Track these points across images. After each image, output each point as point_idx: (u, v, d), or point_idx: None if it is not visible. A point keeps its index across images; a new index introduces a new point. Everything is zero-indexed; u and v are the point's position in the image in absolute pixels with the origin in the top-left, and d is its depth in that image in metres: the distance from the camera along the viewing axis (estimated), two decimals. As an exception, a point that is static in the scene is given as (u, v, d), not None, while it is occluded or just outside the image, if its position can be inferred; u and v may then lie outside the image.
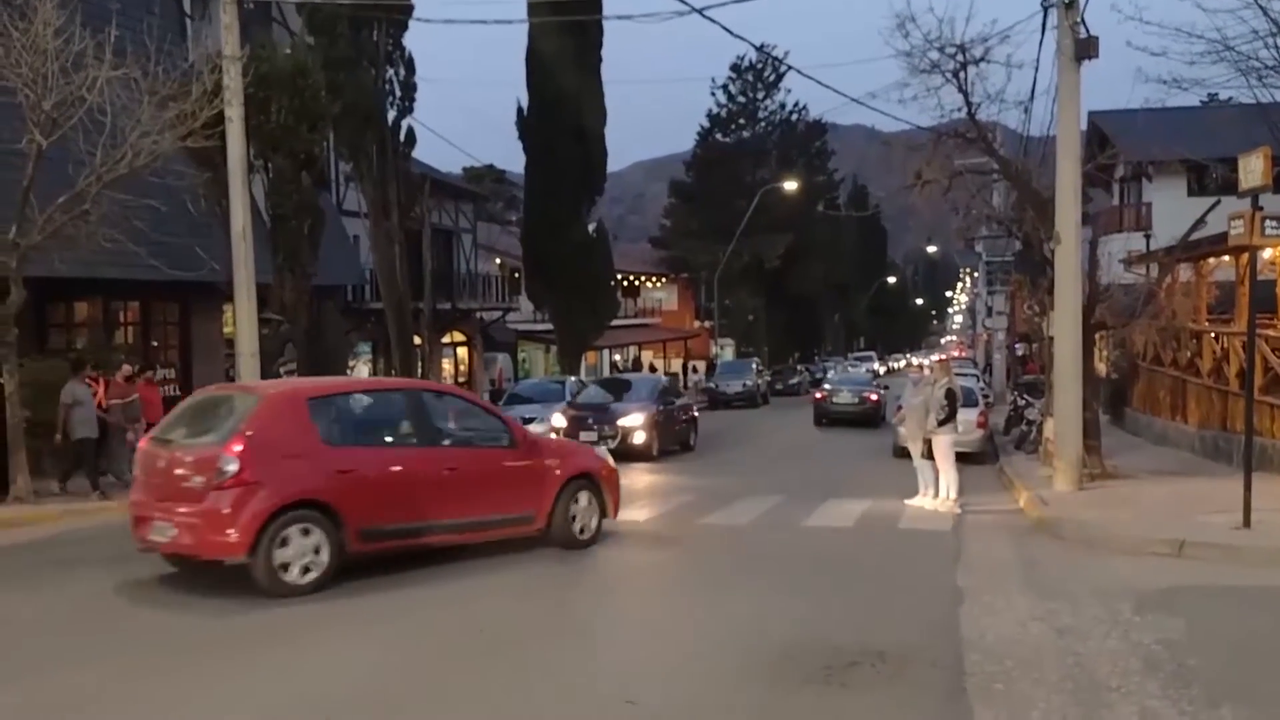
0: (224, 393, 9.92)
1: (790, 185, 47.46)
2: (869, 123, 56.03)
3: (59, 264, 14.47)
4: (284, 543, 8.07)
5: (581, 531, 10.26)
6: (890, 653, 6.48)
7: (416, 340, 22.72)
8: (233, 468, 8.04)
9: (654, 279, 56.78)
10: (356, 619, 7.51)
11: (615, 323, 36.81)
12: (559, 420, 19.34)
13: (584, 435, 18.39)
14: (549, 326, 33.52)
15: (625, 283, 48.76)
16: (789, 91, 60.79)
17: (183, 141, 14.06)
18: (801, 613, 7.62)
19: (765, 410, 36.77)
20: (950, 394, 13.37)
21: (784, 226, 52.78)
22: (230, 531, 7.97)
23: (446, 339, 31.95)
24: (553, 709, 5.54)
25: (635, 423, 19.15)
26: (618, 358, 49.90)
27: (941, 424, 13.31)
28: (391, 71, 21.51)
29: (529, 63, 29.94)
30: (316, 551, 8.22)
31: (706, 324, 53.03)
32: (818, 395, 29.27)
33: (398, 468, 8.99)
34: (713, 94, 58.23)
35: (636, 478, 15.76)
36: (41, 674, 6.19)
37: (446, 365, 33.04)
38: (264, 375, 16.41)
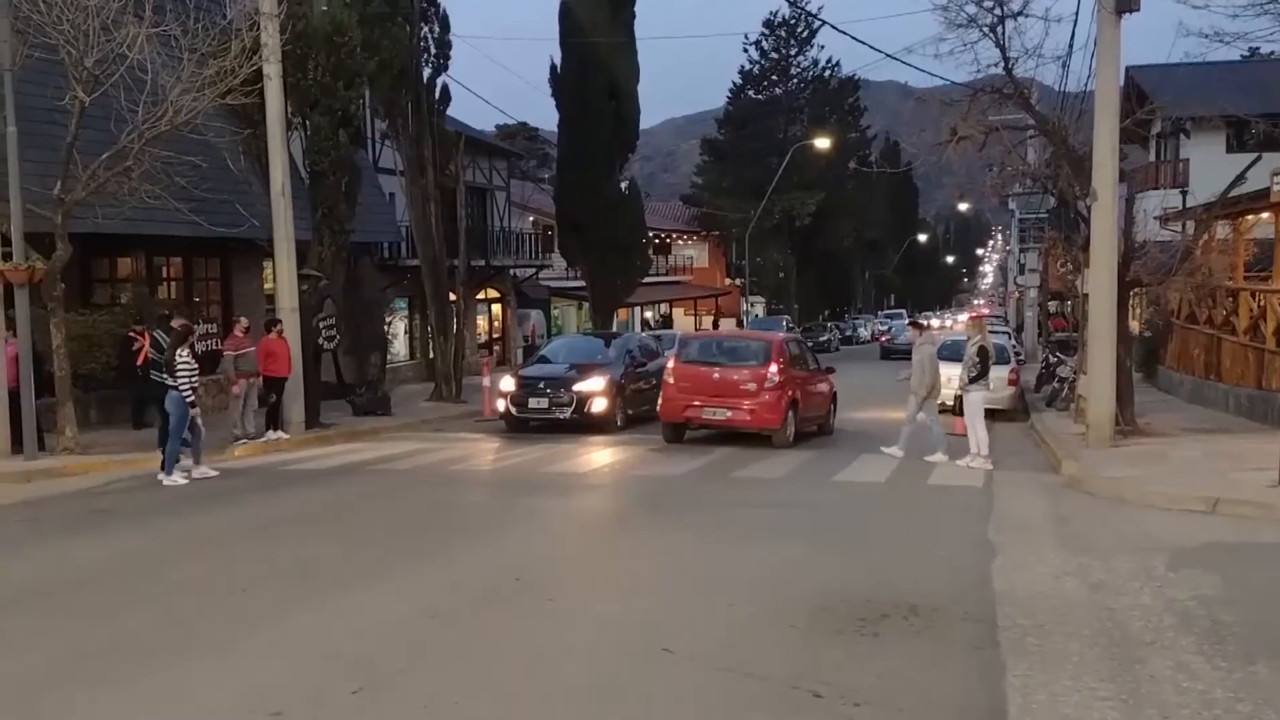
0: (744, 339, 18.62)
1: (822, 142, 47.08)
2: (902, 79, 55.36)
3: (102, 220, 14.73)
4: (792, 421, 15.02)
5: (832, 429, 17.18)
6: (922, 606, 6.54)
7: (451, 296, 22.86)
8: (776, 379, 14.66)
9: (685, 236, 56.65)
10: (400, 566, 7.72)
11: (647, 280, 36.85)
12: (507, 384, 17.27)
13: (534, 402, 16.72)
14: (581, 284, 33.59)
15: (657, 240, 48.69)
16: (822, 48, 60.18)
17: (222, 99, 14.17)
18: (833, 565, 7.72)
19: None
20: (983, 351, 13.41)
21: (815, 184, 52.47)
22: (773, 414, 14.69)
23: (481, 296, 32.12)
24: (589, 657, 5.65)
25: (594, 389, 16.77)
26: (649, 315, 49.98)
27: (973, 381, 13.37)
28: (426, 29, 21.48)
29: (563, 20, 29.79)
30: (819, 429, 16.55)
31: (737, 281, 52.94)
32: (883, 339, 44.49)
33: (807, 385, 16.04)
34: (745, 50, 57.78)
35: (639, 446, 15.84)
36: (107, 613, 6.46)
37: (481, 322, 33.26)
38: (303, 330, 16.67)
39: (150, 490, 11.44)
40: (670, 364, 15.81)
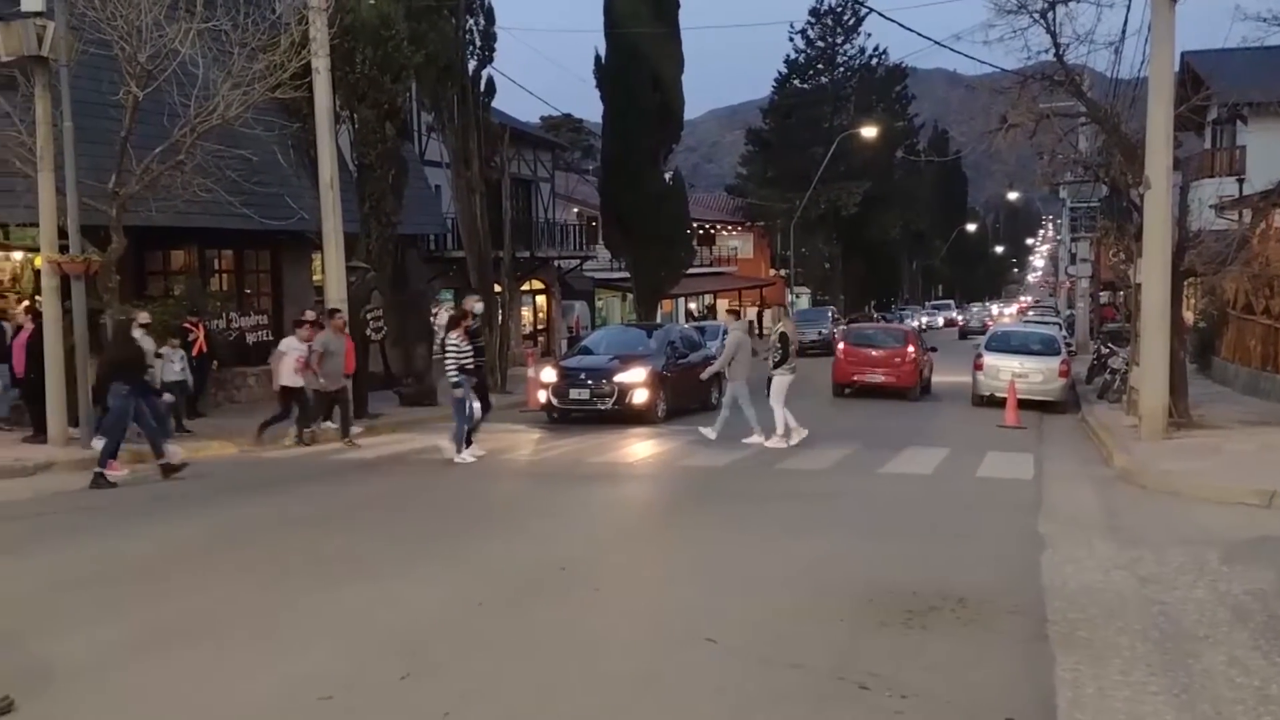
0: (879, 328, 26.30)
1: (869, 131, 46.65)
2: (951, 66, 54.76)
3: (156, 213, 14.98)
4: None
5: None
6: (970, 598, 6.47)
7: (496, 288, 22.99)
8: (913, 355, 21.60)
9: (729, 227, 56.46)
10: (445, 555, 7.79)
11: (691, 271, 36.79)
12: (549, 375, 17.52)
13: (575, 393, 16.92)
14: (626, 275, 33.62)
15: (700, 231, 48.58)
16: (869, 35, 59.79)
17: (271, 93, 14.36)
18: (879, 557, 7.66)
19: (840, 359, 36.55)
20: (783, 337, 14.67)
21: (862, 173, 52.03)
22: (911, 379, 21.48)
23: (525, 287, 32.27)
24: (632, 646, 5.65)
25: (635, 380, 16.94)
26: (693, 306, 49.91)
27: (776, 366, 14.52)
28: (471, 21, 21.59)
29: (607, 11, 29.79)
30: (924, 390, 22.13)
31: (782, 272, 52.69)
32: (960, 322, 55.09)
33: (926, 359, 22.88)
34: (791, 39, 57.39)
35: (681, 438, 15.85)
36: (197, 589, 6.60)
37: (525, 313, 33.42)
38: (351, 322, 16.84)
39: (200, 479, 11.60)
40: (840, 345, 22.97)
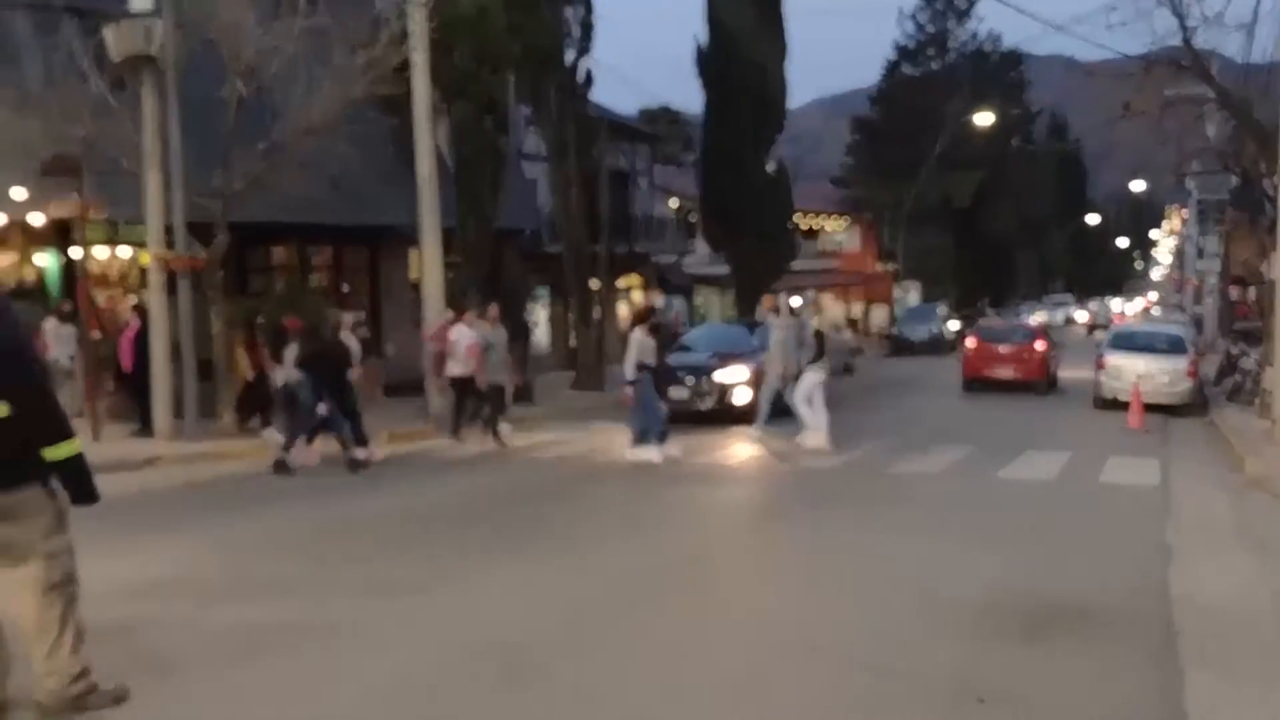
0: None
1: (982, 119, 45.13)
2: (1069, 51, 52.86)
3: (258, 210, 15.16)
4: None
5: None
6: (1094, 610, 6.14)
7: (592, 284, 22.83)
8: (1041, 350, 21.83)
9: (834, 219, 55.46)
10: (548, 554, 7.59)
11: (794, 265, 36.15)
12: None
13: (674, 392, 15.71)
14: (725, 269, 33.19)
15: (804, 224, 47.79)
16: (982, 20, 58.10)
17: (371, 88, 14.38)
18: (997, 565, 7.27)
19: (952, 359, 35.45)
20: (818, 335, 14.19)
21: (975, 163, 50.52)
22: (1040, 372, 21.72)
23: (622, 282, 32.11)
24: (737, 651, 5.46)
25: (737, 379, 16.51)
26: (796, 300, 49.14)
27: (810, 364, 13.81)
28: (570, 11, 21.43)
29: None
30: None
31: (890, 266, 51.55)
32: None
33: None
34: (900, 25, 56.10)
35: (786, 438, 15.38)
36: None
37: (622, 309, 33.27)
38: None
39: (309, 476, 11.66)
40: (971, 341, 23.27)
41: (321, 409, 11.99)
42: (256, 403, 14.20)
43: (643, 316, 12.94)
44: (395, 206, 17.51)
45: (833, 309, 49.59)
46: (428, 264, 16.56)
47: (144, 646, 5.45)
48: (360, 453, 12.08)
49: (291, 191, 14.78)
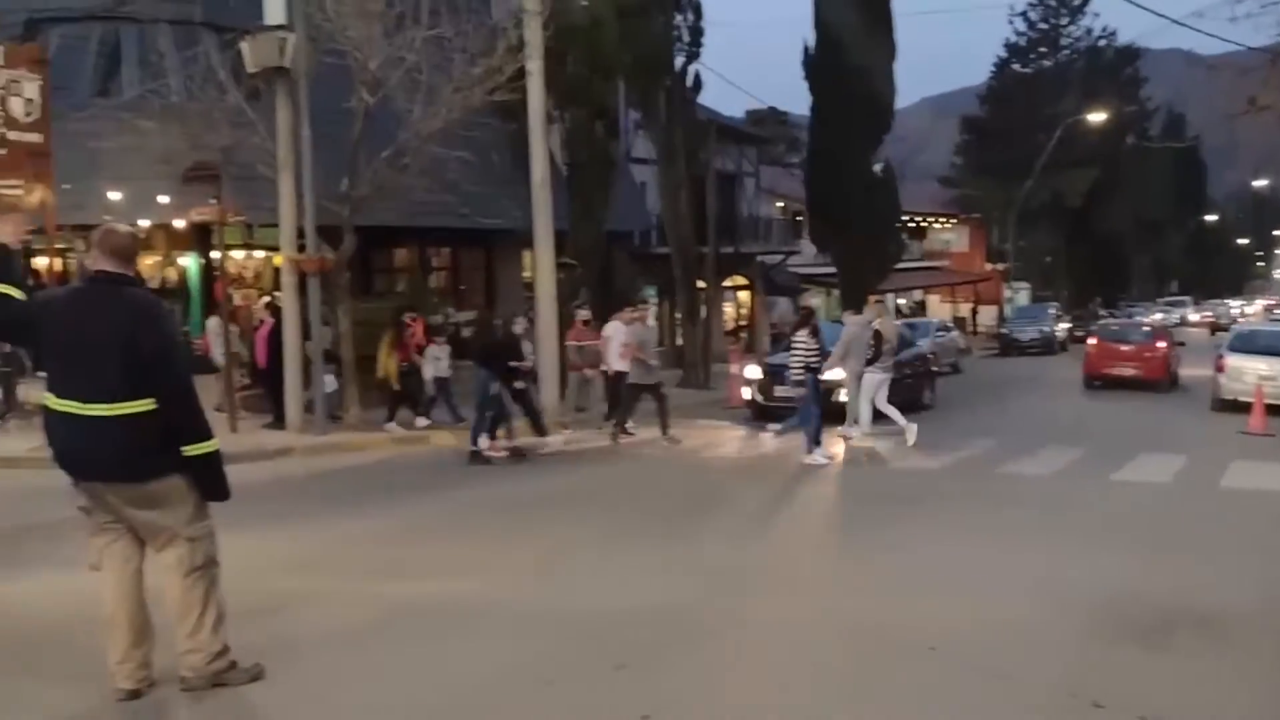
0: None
1: (1096, 117, 43.93)
2: (1188, 45, 50.98)
3: (382, 213, 15.79)
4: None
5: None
6: (1216, 617, 6.00)
7: (700, 284, 23.06)
8: (1163, 349, 22.48)
9: (942, 219, 54.56)
10: (653, 548, 7.81)
11: (900, 266, 35.77)
12: (754, 372, 17.29)
13: (780, 390, 16.14)
14: (831, 270, 33.03)
15: (911, 224, 47.16)
16: (1096, 15, 56.03)
17: (489, 95, 14.86)
18: (1112, 569, 7.16)
19: (1063, 359, 34.67)
20: (877, 335, 14.23)
21: (1088, 161, 49.10)
22: (1161, 372, 22.03)
23: (728, 283, 32.24)
24: (846, 652, 5.51)
25: (842, 378, 16.12)
26: (902, 301, 48.55)
27: (869, 364, 14.06)
28: (680, 17, 21.71)
29: (817, 1, 29.28)
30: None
31: (999, 266, 50.51)
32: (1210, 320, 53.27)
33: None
34: (1010, 21, 54.91)
35: (892, 437, 15.33)
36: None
37: (728, 309, 33.38)
38: (560, 317, 17.24)
39: (438, 467, 12.14)
40: (1093, 340, 23.74)
41: (490, 396, 12.43)
42: (404, 397, 14.82)
43: (806, 319, 12.78)
44: (510, 210, 18.02)
45: (940, 309, 48.83)
46: (540, 265, 16.99)
47: (282, 627, 5.75)
48: (522, 442, 12.71)
49: (413, 196, 15.39)
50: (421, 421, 14.79)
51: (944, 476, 11.43)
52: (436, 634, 5.75)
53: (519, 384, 12.86)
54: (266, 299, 16.56)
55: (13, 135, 12.46)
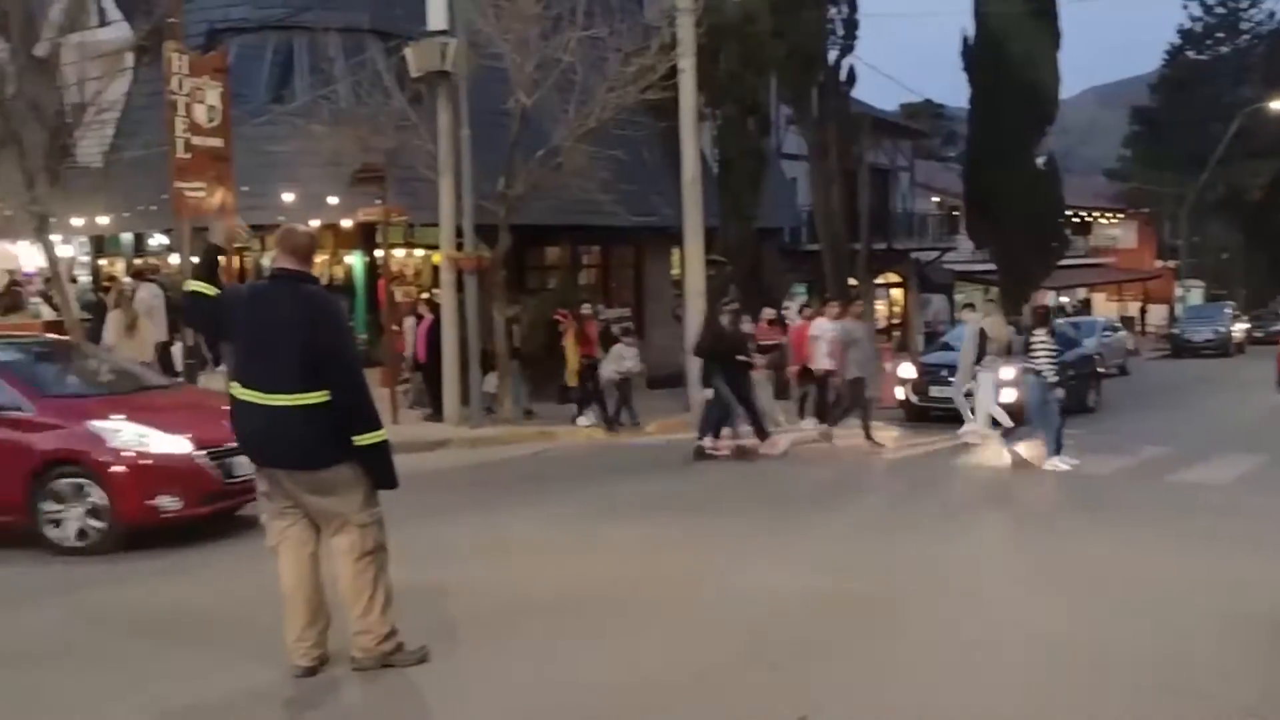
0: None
1: (1278, 105, 41.22)
2: (1388, 24, 47.11)
3: (536, 212, 16.12)
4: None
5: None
6: None
7: (852, 281, 22.70)
8: None
9: (1108, 214, 52.13)
10: (806, 546, 7.74)
11: (1063, 263, 34.37)
12: (908, 371, 16.77)
13: (936, 390, 15.87)
14: (989, 266, 32.01)
15: (1075, 219, 45.22)
16: (1281, -2, 52.68)
17: (641, 94, 14.98)
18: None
19: (1239, 361, 32.66)
20: (981, 334, 13.78)
21: (1269, 152, 46.11)
22: None
23: (881, 280, 31.64)
24: (1010, 662, 5.34)
25: (1002, 379, 15.01)
26: (1065, 300, 46.64)
27: (976, 363, 13.68)
28: (834, 10, 21.41)
29: (978, -12, 28.41)
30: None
31: (1170, 264, 48.00)
32: None
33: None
34: (1185, 6, 52.06)
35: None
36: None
37: (881, 307, 32.76)
38: (709, 314, 17.23)
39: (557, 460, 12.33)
40: None
41: (717, 394, 12.28)
42: (582, 392, 15.05)
43: (1044, 317, 12.09)
44: (660, 207, 18.13)
45: (1106, 308, 46.78)
46: (690, 262, 17.02)
47: (447, 611, 5.95)
48: (749, 442, 12.48)
49: (565, 195, 15.66)
50: (583, 420, 14.92)
51: (1111, 483, 10.92)
52: (595, 621, 5.88)
53: (745, 379, 12.49)
54: (425, 296, 17.12)
55: (196, 140, 13.26)
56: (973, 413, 13.97)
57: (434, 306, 15.55)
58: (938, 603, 6.31)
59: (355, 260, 18.36)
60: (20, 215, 16.29)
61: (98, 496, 7.58)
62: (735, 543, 7.94)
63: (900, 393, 16.93)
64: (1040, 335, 11.59)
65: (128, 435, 7.72)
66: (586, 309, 15.72)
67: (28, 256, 19.21)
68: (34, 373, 8.49)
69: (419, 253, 18.90)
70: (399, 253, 18.05)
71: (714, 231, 18.14)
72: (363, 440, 4.85)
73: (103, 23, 19.37)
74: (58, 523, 7.64)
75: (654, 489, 10.53)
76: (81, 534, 7.63)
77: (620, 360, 14.87)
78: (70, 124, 17.63)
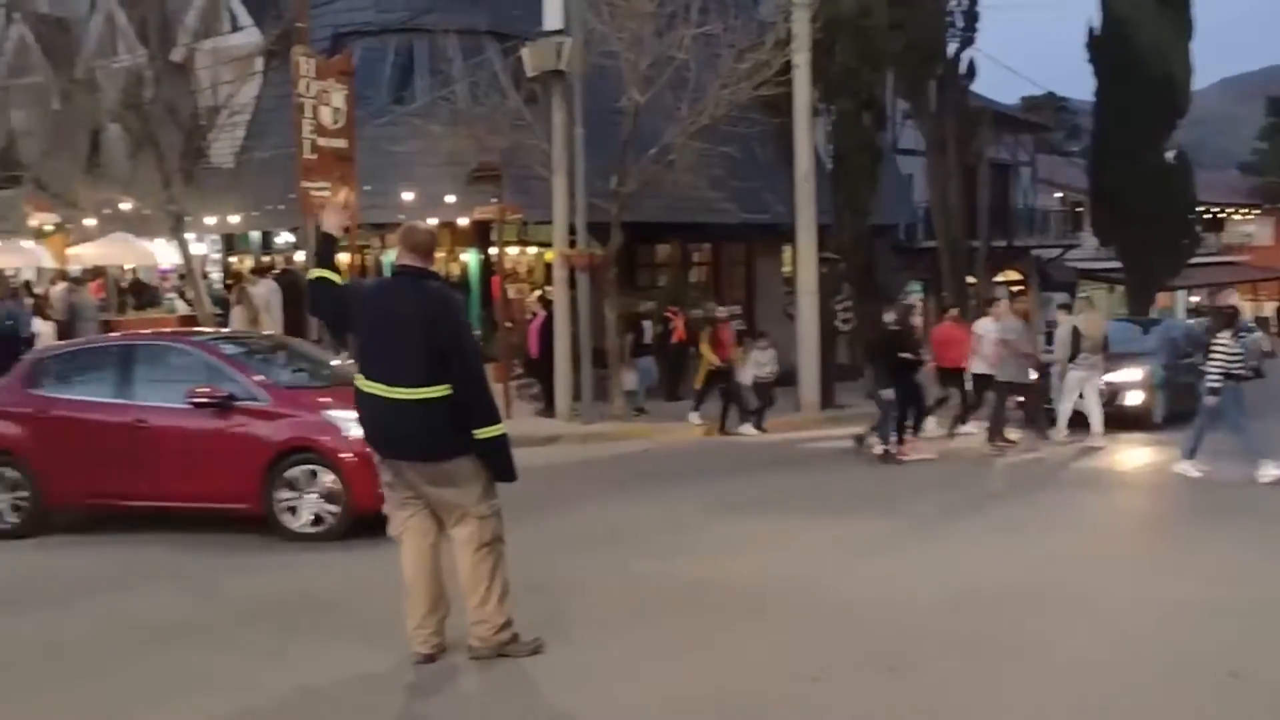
0: None
1: None
2: None
3: (648, 210, 16.16)
4: None
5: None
6: None
7: (970, 280, 22.15)
8: None
9: (1243, 210, 49.76)
10: (919, 549, 7.60)
11: (1193, 261, 32.98)
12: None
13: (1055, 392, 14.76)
14: (1115, 264, 30.93)
15: (1207, 215, 43.29)
16: None
17: (755, 90, 14.89)
18: None
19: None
20: (1075, 331, 13.40)
21: None
22: None
23: (1000, 278, 30.82)
24: (1130, 672, 5.13)
25: (1129, 380, 14.95)
26: (1195, 299, 44.70)
27: (1069, 360, 13.24)
28: (954, 1, 20.91)
29: (1104, -23, 27.49)
30: None
31: (1311, 262, 45.61)
32: None
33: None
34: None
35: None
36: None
37: (999, 306, 31.93)
38: (822, 312, 17.03)
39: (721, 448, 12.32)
40: None
41: (887, 394, 11.87)
42: (723, 395, 14.69)
43: (1230, 318, 11.36)
44: (772, 204, 17.99)
45: (1251, 307, 44.69)
46: (802, 259, 16.85)
47: (561, 604, 6.00)
48: (892, 446, 11.83)
49: (677, 192, 15.67)
50: (694, 417, 14.76)
51: (1246, 490, 10.36)
52: (712, 616, 5.87)
53: (913, 377, 12.01)
54: (538, 293, 17.34)
55: (322, 141, 13.69)
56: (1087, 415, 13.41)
57: (546, 304, 15.74)
58: (1046, 608, 6.12)
59: (470, 258, 18.71)
60: (157, 214, 17.12)
61: (331, 483, 7.82)
62: (862, 543, 7.83)
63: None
64: (1223, 338, 10.68)
65: None
66: (722, 311, 15.60)
67: (164, 254, 20.12)
68: (264, 366, 8.79)
69: (531, 250, 19.15)
70: (512, 250, 18.31)
71: (827, 229, 17.90)
72: (482, 434, 4.93)
73: (234, 28, 20.19)
74: (293, 509, 7.90)
75: (768, 486, 10.45)
76: (317, 520, 7.88)
77: (759, 365, 14.78)
78: (204, 126, 18.47)
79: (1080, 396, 13.53)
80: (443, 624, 5.11)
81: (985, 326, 13.48)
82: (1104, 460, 12.39)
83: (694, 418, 14.76)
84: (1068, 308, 14.51)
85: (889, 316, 12.84)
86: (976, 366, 13.40)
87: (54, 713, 4.80)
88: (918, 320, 12.63)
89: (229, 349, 8.80)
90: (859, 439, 12.62)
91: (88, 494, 8.48)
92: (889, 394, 11.88)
